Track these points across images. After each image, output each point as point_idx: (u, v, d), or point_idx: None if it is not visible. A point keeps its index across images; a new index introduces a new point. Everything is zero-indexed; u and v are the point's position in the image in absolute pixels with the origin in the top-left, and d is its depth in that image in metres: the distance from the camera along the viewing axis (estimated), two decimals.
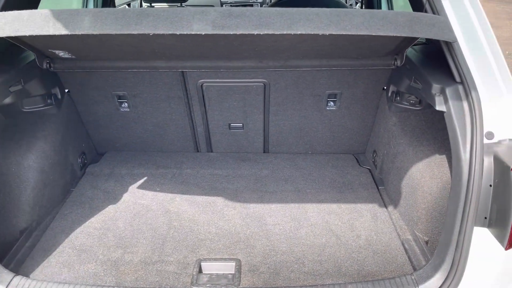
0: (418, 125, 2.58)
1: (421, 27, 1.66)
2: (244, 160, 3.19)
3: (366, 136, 3.17)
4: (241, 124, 3.09)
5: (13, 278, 1.90)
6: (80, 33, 1.59)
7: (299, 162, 3.15)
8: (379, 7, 4.38)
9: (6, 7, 2.02)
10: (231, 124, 3.09)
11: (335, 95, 2.90)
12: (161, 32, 1.58)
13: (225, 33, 1.58)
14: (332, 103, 2.95)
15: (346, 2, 5.80)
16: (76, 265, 2.16)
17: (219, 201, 2.70)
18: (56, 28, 1.60)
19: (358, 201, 2.69)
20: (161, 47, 2.23)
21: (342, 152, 3.26)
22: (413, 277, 1.90)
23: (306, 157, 3.21)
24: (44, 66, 2.50)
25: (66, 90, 2.87)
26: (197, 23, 1.58)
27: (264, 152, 3.29)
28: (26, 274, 2.07)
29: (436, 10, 1.87)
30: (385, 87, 2.86)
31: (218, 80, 2.79)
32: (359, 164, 3.13)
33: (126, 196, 2.75)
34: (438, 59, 2.17)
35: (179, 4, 5.53)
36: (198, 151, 3.30)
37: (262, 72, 2.73)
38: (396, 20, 1.62)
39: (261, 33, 1.57)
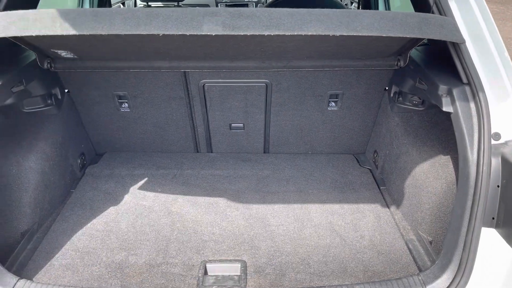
0: (421, 126, 2.59)
1: (430, 28, 1.66)
2: (245, 161, 3.18)
3: (366, 136, 3.17)
4: (242, 125, 3.07)
5: (17, 281, 1.87)
6: (88, 33, 1.56)
7: (300, 163, 3.15)
8: (376, 7, 4.39)
9: (7, 7, 2.00)
10: (232, 125, 3.08)
11: (337, 95, 2.90)
12: (171, 32, 1.56)
13: (236, 34, 1.57)
14: (333, 103, 2.95)
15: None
16: (79, 267, 2.14)
17: (221, 202, 2.68)
18: (64, 28, 1.58)
19: (360, 201, 2.69)
20: (167, 48, 2.21)
21: (342, 152, 3.26)
22: (420, 278, 1.90)
23: (306, 157, 3.21)
24: (45, 66, 2.47)
25: (66, 90, 2.83)
26: (207, 24, 1.57)
27: (264, 152, 3.28)
28: (29, 277, 2.04)
29: (443, 11, 1.87)
30: (386, 88, 2.86)
31: (220, 80, 2.78)
32: (360, 164, 3.14)
33: (127, 197, 2.72)
34: (441, 60, 2.18)
35: (176, 3, 5.50)
36: (198, 152, 3.28)
37: (265, 72, 2.72)
38: (406, 21, 1.62)
39: (272, 34, 1.56)
